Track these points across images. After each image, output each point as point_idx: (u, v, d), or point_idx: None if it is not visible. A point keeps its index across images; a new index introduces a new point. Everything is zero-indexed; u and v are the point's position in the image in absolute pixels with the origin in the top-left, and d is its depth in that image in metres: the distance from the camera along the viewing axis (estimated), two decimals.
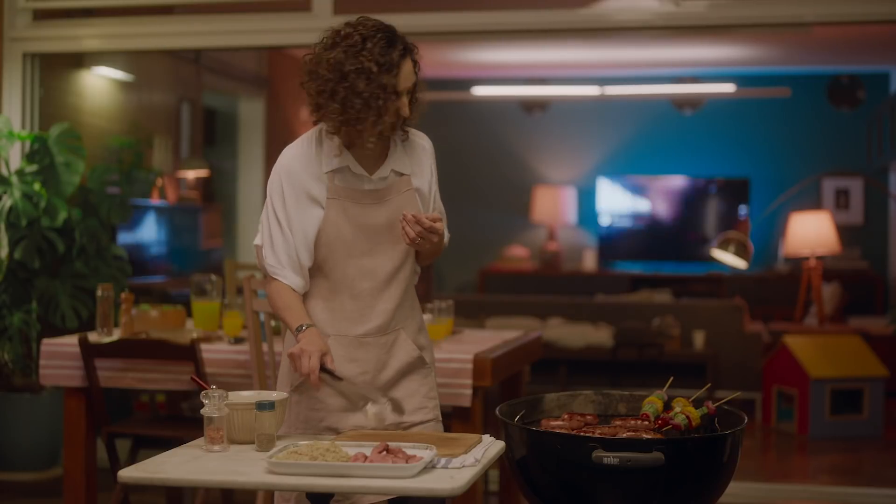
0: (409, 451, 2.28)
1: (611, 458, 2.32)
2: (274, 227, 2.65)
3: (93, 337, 3.97)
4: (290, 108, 9.33)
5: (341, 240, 2.65)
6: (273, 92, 8.94)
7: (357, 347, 2.68)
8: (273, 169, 2.70)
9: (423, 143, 2.79)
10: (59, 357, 3.98)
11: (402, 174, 2.71)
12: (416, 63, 2.72)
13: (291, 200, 2.65)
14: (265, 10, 5.56)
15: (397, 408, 2.66)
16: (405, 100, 2.66)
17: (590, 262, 9.94)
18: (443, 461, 2.30)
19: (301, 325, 2.60)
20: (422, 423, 2.73)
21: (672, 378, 2.93)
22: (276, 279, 2.66)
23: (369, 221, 2.66)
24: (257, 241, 2.70)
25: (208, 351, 3.89)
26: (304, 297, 2.69)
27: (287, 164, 2.67)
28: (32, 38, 5.68)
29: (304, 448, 2.28)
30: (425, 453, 2.27)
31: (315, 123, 2.70)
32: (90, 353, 3.88)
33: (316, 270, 2.69)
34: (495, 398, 4.50)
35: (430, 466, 2.25)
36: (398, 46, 2.65)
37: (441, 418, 2.79)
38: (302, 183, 2.65)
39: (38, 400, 5.42)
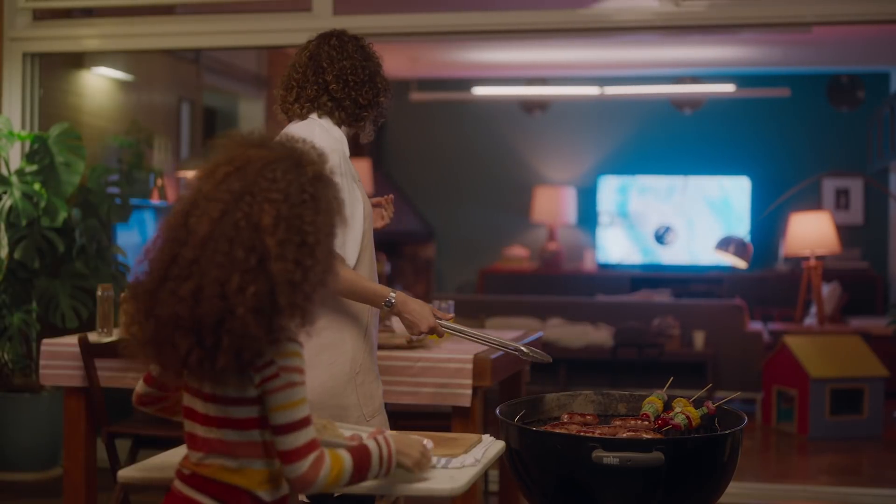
0: None
1: (611, 458, 2.32)
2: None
3: (93, 337, 3.97)
4: None
5: (371, 231, 2.87)
6: (273, 92, 8.93)
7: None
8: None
9: None
10: (59, 357, 3.98)
11: None
12: None
13: (350, 184, 2.78)
14: (265, 10, 5.56)
15: None
16: None
17: (590, 262, 9.94)
18: (443, 461, 2.30)
19: (392, 294, 2.78)
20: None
21: (672, 378, 2.94)
22: None
23: None
24: None
25: None
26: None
27: (342, 148, 2.81)
28: (32, 38, 5.68)
29: None
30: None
31: (306, 116, 2.86)
32: (90, 353, 3.87)
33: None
34: (495, 398, 4.50)
35: (429, 466, 2.25)
36: None
37: None
38: (352, 169, 2.81)
39: (38, 400, 5.42)
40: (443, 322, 2.87)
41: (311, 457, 1.89)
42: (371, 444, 2.02)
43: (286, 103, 2.90)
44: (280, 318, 1.84)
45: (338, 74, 2.85)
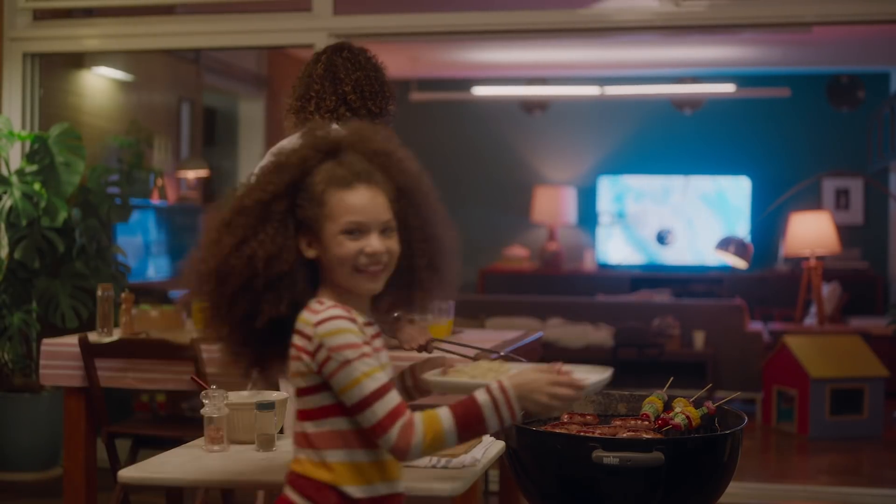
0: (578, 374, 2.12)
1: (611, 458, 2.32)
2: None
3: (93, 337, 3.97)
4: None
5: None
6: (273, 92, 8.94)
7: None
8: None
9: None
10: (59, 357, 3.98)
11: None
12: None
13: None
14: (265, 10, 5.56)
15: None
16: None
17: (590, 262, 9.94)
18: (443, 461, 2.30)
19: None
20: None
21: (672, 378, 2.93)
22: None
23: None
24: None
25: (208, 351, 3.88)
26: None
27: None
28: (32, 38, 5.68)
29: (469, 368, 2.20)
30: (593, 377, 2.14)
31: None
32: (90, 353, 3.87)
33: None
34: None
35: (429, 466, 2.25)
36: None
37: None
38: None
39: (38, 400, 5.42)
40: (436, 343, 3.10)
41: (398, 425, 1.85)
42: (481, 398, 1.91)
43: (305, 112, 3.06)
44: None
45: (354, 85, 3.03)
